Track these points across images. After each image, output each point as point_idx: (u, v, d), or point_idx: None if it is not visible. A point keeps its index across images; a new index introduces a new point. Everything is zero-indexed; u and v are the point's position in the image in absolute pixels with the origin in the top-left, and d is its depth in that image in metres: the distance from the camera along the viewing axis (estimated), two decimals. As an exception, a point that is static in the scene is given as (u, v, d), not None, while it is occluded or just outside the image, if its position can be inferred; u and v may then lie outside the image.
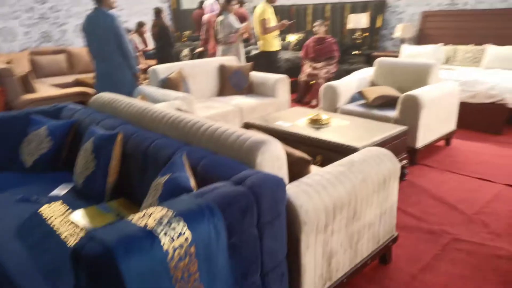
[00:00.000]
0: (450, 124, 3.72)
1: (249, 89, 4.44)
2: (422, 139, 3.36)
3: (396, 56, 5.93)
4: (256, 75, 4.48)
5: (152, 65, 5.88)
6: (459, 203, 2.72)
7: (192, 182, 1.50)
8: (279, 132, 3.03)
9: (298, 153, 1.77)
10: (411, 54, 5.87)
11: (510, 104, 3.99)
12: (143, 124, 2.15)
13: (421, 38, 6.30)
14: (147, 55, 6.83)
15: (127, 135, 2.07)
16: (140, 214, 1.22)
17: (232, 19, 5.10)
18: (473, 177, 3.12)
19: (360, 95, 3.81)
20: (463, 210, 2.62)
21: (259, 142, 1.59)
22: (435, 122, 3.47)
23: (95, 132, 2.14)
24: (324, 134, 2.88)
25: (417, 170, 3.27)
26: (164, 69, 4.05)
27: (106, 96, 2.61)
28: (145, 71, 5.94)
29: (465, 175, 3.16)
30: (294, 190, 1.55)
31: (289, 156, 1.72)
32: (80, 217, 1.85)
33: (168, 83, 3.87)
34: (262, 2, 5.44)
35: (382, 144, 2.76)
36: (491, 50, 5.24)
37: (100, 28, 3.71)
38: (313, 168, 1.83)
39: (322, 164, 2.77)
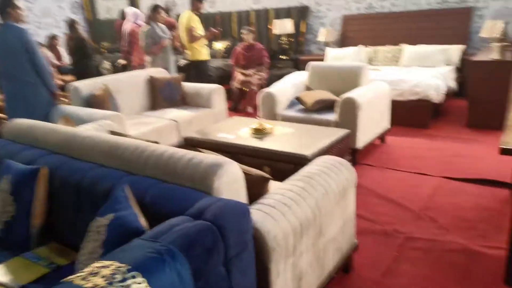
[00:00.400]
0: (384, 122, 3.86)
1: (183, 101, 4.23)
2: (362, 140, 3.42)
3: (322, 59, 6.10)
4: (189, 86, 4.28)
5: (69, 81, 5.38)
6: (404, 200, 2.78)
7: (143, 221, 1.29)
8: (223, 145, 2.88)
9: (255, 171, 1.64)
10: (335, 56, 6.07)
11: (434, 100, 4.26)
12: (72, 153, 1.86)
13: (343, 41, 6.56)
14: (63, 70, 6.26)
15: (53, 168, 1.78)
16: (85, 271, 1.00)
17: (161, 29, 4.85)
18: (412, 172, 3.24)
19: (298, 101, 3.79)
20: (410, 207, 2.69)
21: (215, 165, 1.42)
22: (372, 122, 3.56)
23: (12, 168, 1.81)
24: (270, 144, 2.79)
25: (359, 171, 3.30)
26: (87, 86, 3.68)
27: (23, 122, 2.25)
28: (62, 88, 5.42)
29: (404, 171, 3.28)
30: (258, 215, 1.41)
31: (246, 175, 1.58)
32: (3, 272, 1.53)
33: (93, 101, 3.51)
34: (187, 10, 5.26)
35: (329, 149, 2.74)
36: (408, 49, 5.60)
37: (8, 44, 3.25)
38: (271, 184, 1.70)
39: (271, 175, 2.67)
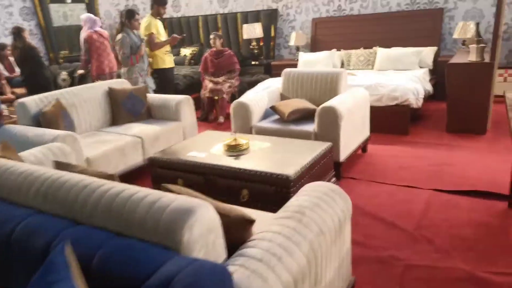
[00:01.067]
0: (365, 130, 3.64)
1: (148, 114, 3.86)
2: (344, 151, 3.18)
3: (295, 65, 5.87)
4: (154, 97, 3.92)
5: (21, 94, 4.88)
6: (396, 219, 2.55)
7: (87, 301, 0.95)
8: (194, 166, 2.55)
9: (234, 212, 1.32)
10: (308, 61, 5.85)
11: (413, 104, 4.10)
12: (4, 195, 1.48)
13: (315, 45, 6.36)
14: (14, 83, 5.71)
15: (-23, 216, 1.40)
16: None
17: (137, 36, 4.51)
18: (400, 185, 3.02)
19: (273, 110, 3.51)
20: (403, 227, 2.45)
21: (184, 212, 1.11)
22: (354, 131, 3.33)
23: None
24: (247, 163, 2.48)
25: (344, 185, 3.07)
26: (36, 101, 3.24)
27: None
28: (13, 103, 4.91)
29: (392, 184, 3.06)
30: (242, 274, 1.10)
31: (224, 217, 1.27)
32: None
33: (43, 119, 3.09)
34: (147, 15, 4.91)
35: (313, 166, 2.47)
36: (381, 52, 5.45)
37: None
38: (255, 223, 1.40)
39: (250, 199, 2.37)
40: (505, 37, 5.09)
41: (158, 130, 3.53)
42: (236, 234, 1.31)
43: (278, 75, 4.22)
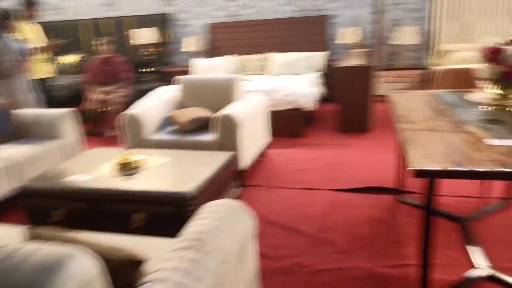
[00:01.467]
0: (266, 136, 3.64)
1: (19, 133, 3.31)
2: (246, 159, 3.12)
3: (187, 71, 5.70)
4: (27, 113, 3.40)
5: None
6: (299, 224, 2.56)
7: None
8: (76, 193, 2.23)
9: (119, 252, 1.12)
10: (206, 67, 5.74)
11: (307, 108, 4.25)
12: None
13: (212, 50, 6.27)
14: None
15: None
16: None
17: (15, 41, 3.81)
18: (300, 188, 3.07)
19: (169, 121, 3.30)
20: (306, 231, 2.47)
21: (49, 268, 0.87)
22: (254, 137, 3.30)
23: None
24: (139, 183, 2.25)
25: (247, 194, 3.01)
26: None
27: None
28: None
29: (292, 188, 3.09)
30: (130, 332, 0.92)
31: (108, 262, 1.06)
32: None
33: None
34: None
35: (214, 178, 2.34)
36: (276, 58, 5.59)
37: None
38: (150, 260, 1.21)
39: (146, 223, 2.15)
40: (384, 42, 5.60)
41: (33, 152, 3.04)
42: (126, 278, 1.11)
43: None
